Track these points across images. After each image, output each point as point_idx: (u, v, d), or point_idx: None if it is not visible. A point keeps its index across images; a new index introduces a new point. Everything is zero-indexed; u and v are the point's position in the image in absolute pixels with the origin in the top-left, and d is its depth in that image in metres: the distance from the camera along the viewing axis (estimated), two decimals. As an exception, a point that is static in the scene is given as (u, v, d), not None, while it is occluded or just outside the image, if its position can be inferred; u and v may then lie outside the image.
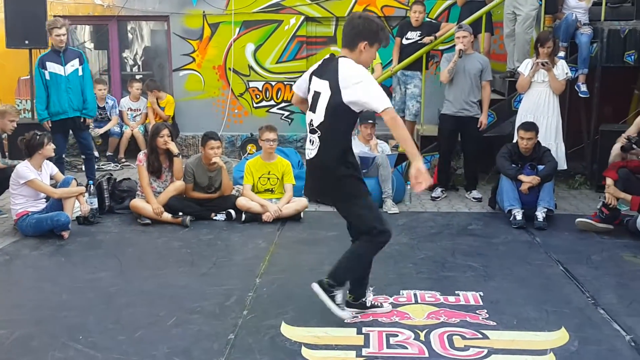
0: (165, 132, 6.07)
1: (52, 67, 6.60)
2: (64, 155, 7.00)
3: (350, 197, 3.68)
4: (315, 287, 3.72)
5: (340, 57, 3.59)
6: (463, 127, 6.83)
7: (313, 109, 3.64)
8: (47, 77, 6.60)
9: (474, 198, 6.80)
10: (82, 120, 6.85)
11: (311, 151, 3.68)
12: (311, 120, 3.66)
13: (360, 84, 3.45)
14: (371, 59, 3.65)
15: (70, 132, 6.99)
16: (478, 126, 6.77)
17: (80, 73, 6.76)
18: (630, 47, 7.01)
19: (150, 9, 9.06)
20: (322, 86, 3.58)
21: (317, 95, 3.61)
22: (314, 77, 3.67)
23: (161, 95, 8.88)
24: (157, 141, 6.06)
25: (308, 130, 3.71)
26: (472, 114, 6.75)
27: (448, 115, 6.86)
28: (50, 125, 6.63)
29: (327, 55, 3.74)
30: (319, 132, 3.59)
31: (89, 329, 3.80)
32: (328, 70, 3.58)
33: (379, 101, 3.44)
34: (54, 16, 6.92)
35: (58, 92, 6.63)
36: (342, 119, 3.57)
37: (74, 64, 6.71)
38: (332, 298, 3.70)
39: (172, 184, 6.16)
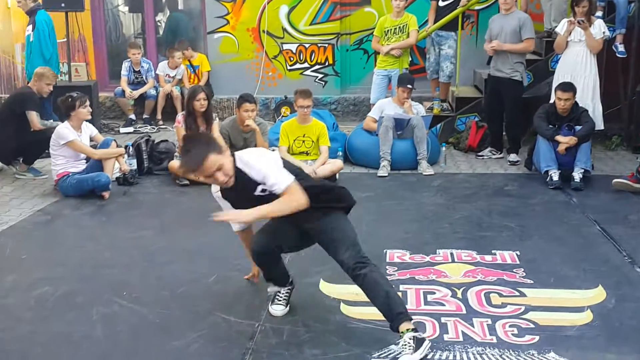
0: (202, 95, 6.11)
1: None
2: None
3: None
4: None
5: None
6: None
7: None
8: None
9: (509, 161, 6.74)
10: None
11: None
12: None
13: None
14: None
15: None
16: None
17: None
18: (670, 6, 6.82)
19: (184, -29, 9.05)
20: None
21: None
22: None
23: (193, 54, 8.95)
24: (194, 104, 6.12)
25: None
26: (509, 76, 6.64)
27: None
28: None
29: None
30: None
31: (133, 285, 3.90)
32: None
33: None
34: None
35: None
36: None
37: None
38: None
39: (209, 146, 6.23)
